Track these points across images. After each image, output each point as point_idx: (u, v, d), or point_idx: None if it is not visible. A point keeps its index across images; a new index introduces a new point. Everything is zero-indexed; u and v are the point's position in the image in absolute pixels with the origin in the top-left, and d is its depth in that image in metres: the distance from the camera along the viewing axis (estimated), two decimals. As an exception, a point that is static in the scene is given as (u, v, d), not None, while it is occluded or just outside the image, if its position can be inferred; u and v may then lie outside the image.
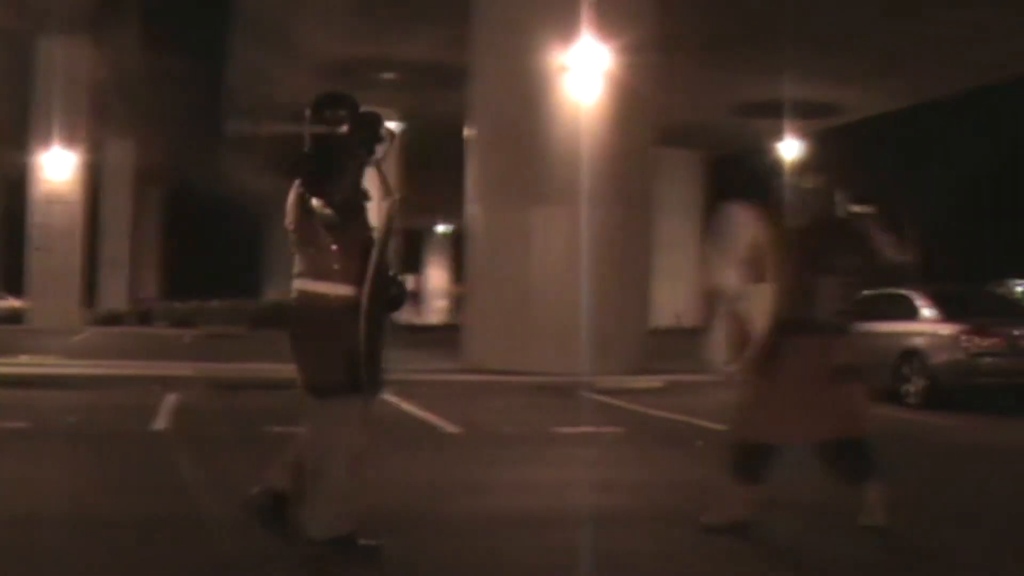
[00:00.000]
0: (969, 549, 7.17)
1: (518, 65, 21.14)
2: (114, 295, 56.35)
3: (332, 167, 6.32)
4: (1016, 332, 16.78)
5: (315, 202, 6.28)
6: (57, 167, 37.37)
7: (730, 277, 7.46)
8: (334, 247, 6.31)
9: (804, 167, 7.78)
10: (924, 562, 6.88)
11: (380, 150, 6.37)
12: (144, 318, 47.59)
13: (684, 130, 43.87)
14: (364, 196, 6.41)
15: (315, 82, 40.04)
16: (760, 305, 7.20)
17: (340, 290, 6.26)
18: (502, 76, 21.54)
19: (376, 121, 6.39)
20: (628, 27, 21.06)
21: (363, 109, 6.44)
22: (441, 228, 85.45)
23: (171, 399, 15.30)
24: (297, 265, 6.55)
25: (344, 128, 6.37)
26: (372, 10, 30.79)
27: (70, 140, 37.47)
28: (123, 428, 12.64)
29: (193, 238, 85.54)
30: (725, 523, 7.30)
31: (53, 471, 9.47)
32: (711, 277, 7.79)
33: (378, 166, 6.41)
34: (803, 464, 7.40)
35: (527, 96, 21.08)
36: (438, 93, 38.47)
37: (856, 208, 7.53)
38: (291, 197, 6.57)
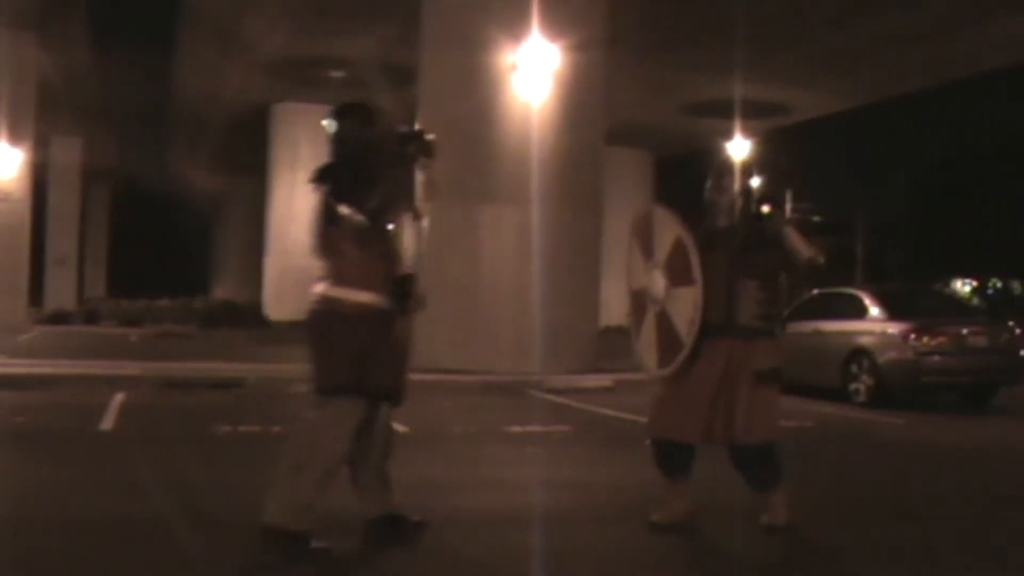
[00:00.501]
0: (901, 545, 7.24)
1: (467, 64, 21.13)
2: (61, 294, 55.93)
3: (365, 174, 6.51)
4: (963, 331, 16.98)
5: (344, 209, 6.40)
6: (3, 164, 37.00)
7: (655, 280, 7.46)
8: (357, 254, 6.45)
9: (725, 169, 7.73)
10: (848, 558, 6.94)
11: (426, 163, 7.01)
12: (91, 317, 47.24)
13: (634, 130, 44.02)
14: (398, 206, 6.53)
15: (264, 79, 40.01)
16: (685, 309, 7.21)
17: (360, 297, 6.43)
18: (451, 75, 21.52)
19: (422, 135, 6.64)
20: (577, 26, 21.11)
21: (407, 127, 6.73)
22: (391, 226, 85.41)
23: (119, 398, 15.24)
24: (321, 271, 6.65)
25: (375, 134, 6.77)
26: (321, 8, 30.69)
27: (16, 137, 37.10)
28: (71, 428, 12.56)
29: (141, 236, 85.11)
30: (673, 521, 7.35)
31: (1, 471, 9.41)
32: (636, 279, 7.79)
33: (427, 177, 6.93)
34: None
35: (476, 95, 21.07)
36: (387, 91, 38.42)
37: (765, 209, 7.51)
38: (316, 204, 6.62)
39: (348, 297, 6.44)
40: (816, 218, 70.42)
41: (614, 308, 47.78)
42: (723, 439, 7.25)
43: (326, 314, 6.51)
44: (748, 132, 42.32)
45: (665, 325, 7.37)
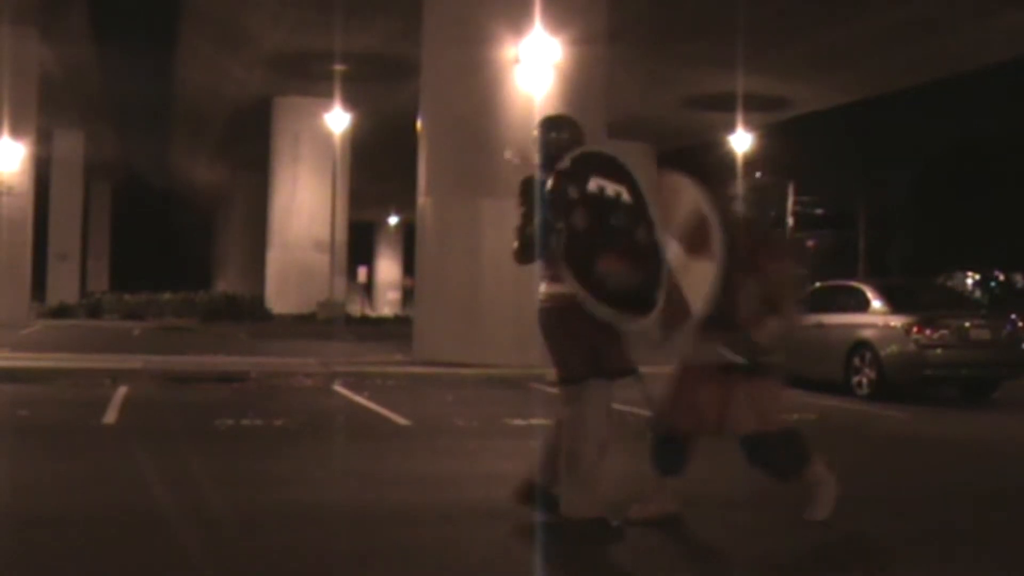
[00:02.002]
0: (904, 539, 7.25)
1: (469, 57, 21.11)
2: (64, 288, 55.94)
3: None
4: (964, 324, 16.97)
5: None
6: (6, 159, 37.00)
7: (671, 247, 7.28)
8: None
9: (753, 164, 7.78)
10: (848, 553, 6.95)
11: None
12: (94, 311, 47.25)
13: (635, 123, 43.93)
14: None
15: (265, 73, 39.99)
16: (697, 283, 7.12)
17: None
18: (453, 68, 21.51)
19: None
20: (579, 20, 21.11)
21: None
22: (393, 220, 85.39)
23: (121, 392, 15.26)
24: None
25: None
26: (323, 2, 30.68)
27: (18, 132, 37.10)
28: (73, 422, 12.57)
29: (144, 230, 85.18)
30: (647, 519, 7.34)
31: (3, 465, 9.42)
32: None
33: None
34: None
35: (478, 88, 21.07)
36: (390, 85, 38.42)
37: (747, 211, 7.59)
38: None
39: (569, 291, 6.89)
40: (818, 211, 70.37)
41: (616, 301, 47.92)
42: (718, 431, 7.32)
43: (557, 310, 7.04)
44: (749, 125, 42.32)
45: (676, 296, 7.19)
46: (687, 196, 7.29)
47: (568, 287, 6.84)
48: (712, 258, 7.01)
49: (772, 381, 7.36)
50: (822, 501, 7.38)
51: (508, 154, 7.42)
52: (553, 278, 7.01)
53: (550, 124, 7.51)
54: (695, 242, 7.09)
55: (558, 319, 7.03)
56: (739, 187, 7.73)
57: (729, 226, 7.16)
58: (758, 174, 7.74)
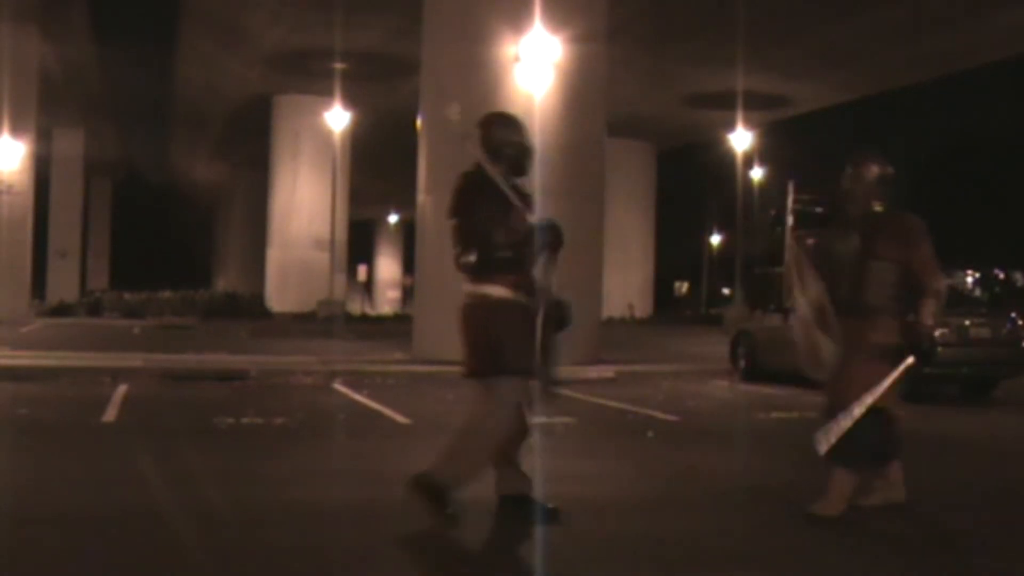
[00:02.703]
0: (902, 535, 7.26)
1: (469, 56, 21.11)
2: (64, 286, 55.97)
3: None
4: (965, 323, 16.94)
5: None
6: (6, 157, 37.03)
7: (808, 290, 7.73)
8: None
9: (862, 159, 7.93)
10: (848, 548, 6.95)
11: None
12: (94, 309, 47.28)
13: (635, 121, 44.04)
14: None
15: (265, 71, 39.99)
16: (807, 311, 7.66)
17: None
18: (453, 67, 21.50)
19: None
20: (579, 18, 21.12)
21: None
22: (393, 218, 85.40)
23: (121, 390, 15.26)
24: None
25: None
26: (323, 0, 30.71)
27: (18, 130, 37.13)
28: (73, 420, 12.56)
29: (143, 228, 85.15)
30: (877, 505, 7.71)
31: (2, 463, 9.42)
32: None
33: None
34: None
35: (478, 87, 21.05)
36: (390, 83, 38.44)
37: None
38: None
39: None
40: (818, 209, 70.31)
41: (616, 299, 47.79)
42: (840, 409, 7.44)
43: (470, 308, 7.12)
44: (750, 124, 42.32)
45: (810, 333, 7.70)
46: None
47: (493, 290, 6.98)
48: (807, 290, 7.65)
49: (890, 365, 7.50)
50: (833, 499, 7.45)
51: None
52: (476, 279, 7.06)
53: (503, 121, 7.69)
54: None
55: (470, 316, 7.10)
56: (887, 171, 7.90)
57: (862, 218, 7.69)
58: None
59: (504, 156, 7.33)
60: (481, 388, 7.19)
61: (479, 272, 7.00)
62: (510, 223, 7.01)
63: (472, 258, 6.95)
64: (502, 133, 7.45)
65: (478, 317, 7.04)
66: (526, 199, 7.36)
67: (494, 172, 7.20)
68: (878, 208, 7.77)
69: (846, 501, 7.49)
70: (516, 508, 7.17)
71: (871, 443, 7.47)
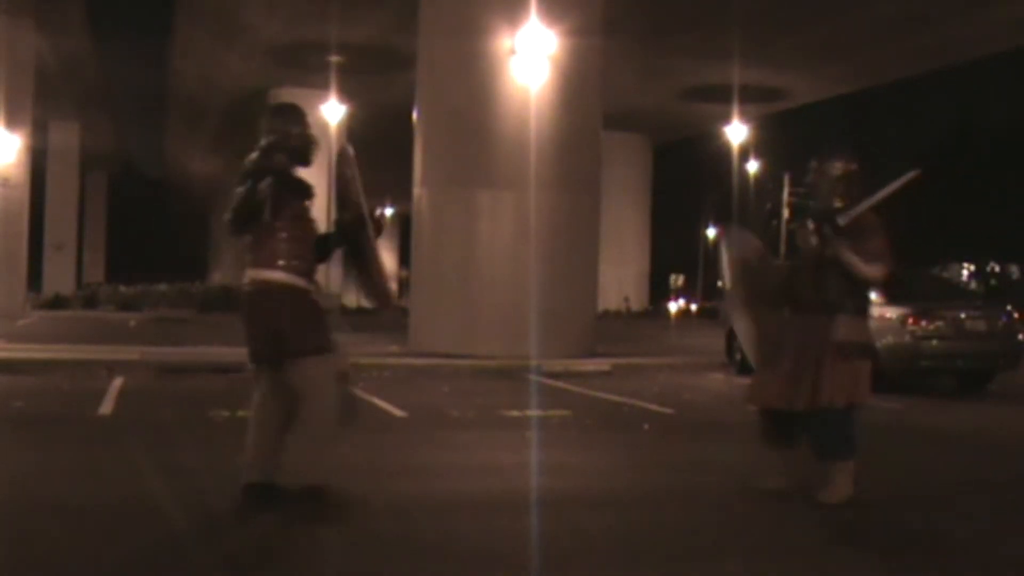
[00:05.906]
0: (901, 533, 7.27)
1: (465, 49, 21.11)
2: (60, 279, 55.94)
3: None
4: (960, 315, 16.96)
5: None
6: (1, 150, 36.96)
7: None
8: None
9: (826, 156, 8.01)
10: (847, 545, 6.96)
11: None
12: (90, 302, 47.26)
13: (631, 114, 44.03)
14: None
15: (262, 64, 39.95)
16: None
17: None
18: (449, 59, 21.51)
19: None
20: (575, 11, 21.13)
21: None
22: (389, 211, 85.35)
23: (117, 383, 15.27)
24: None
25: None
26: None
27: (14, 123, 37.06)
28: (69, 413, 12.56)
29: (140, 221, 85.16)
30: (769, 491, 7.85)
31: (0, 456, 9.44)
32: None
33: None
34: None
35: (474, 80, 21.07)
36: (385, 77, 38.42)
37: (811, 227, 7.92)
38: None
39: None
40: (812, 202, 70.32)
41: (611, 292, 47.81)
42: (805, 406, 7.59)
43: (251, 294, 7.26)
44: (745, 117, 42.33)
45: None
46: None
47: (273, 274, 7.14)
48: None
49: (859, 362, 7.68)
50: (839, 485, 7.61)
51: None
52: (256, 263, 7.30)
53: (288, 112, 7.69)
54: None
55: (250, 302, 7.22)
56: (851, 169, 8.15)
57: (823, 213, 7.91)
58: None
59: (288, 147, 7.43)
60: (271, 375, 7.18)
61: (260, 257, 7.27)
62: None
63: (226, 216, 7.55)
64: (279, 123, 7.51)
65: (264, 305, 7.13)
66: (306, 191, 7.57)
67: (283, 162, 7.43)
68: (839, 204, 7.93)
69: (851, 485, 7.62)
70: (263, 496, 7.13)
71: (852, 434, 7.67)
